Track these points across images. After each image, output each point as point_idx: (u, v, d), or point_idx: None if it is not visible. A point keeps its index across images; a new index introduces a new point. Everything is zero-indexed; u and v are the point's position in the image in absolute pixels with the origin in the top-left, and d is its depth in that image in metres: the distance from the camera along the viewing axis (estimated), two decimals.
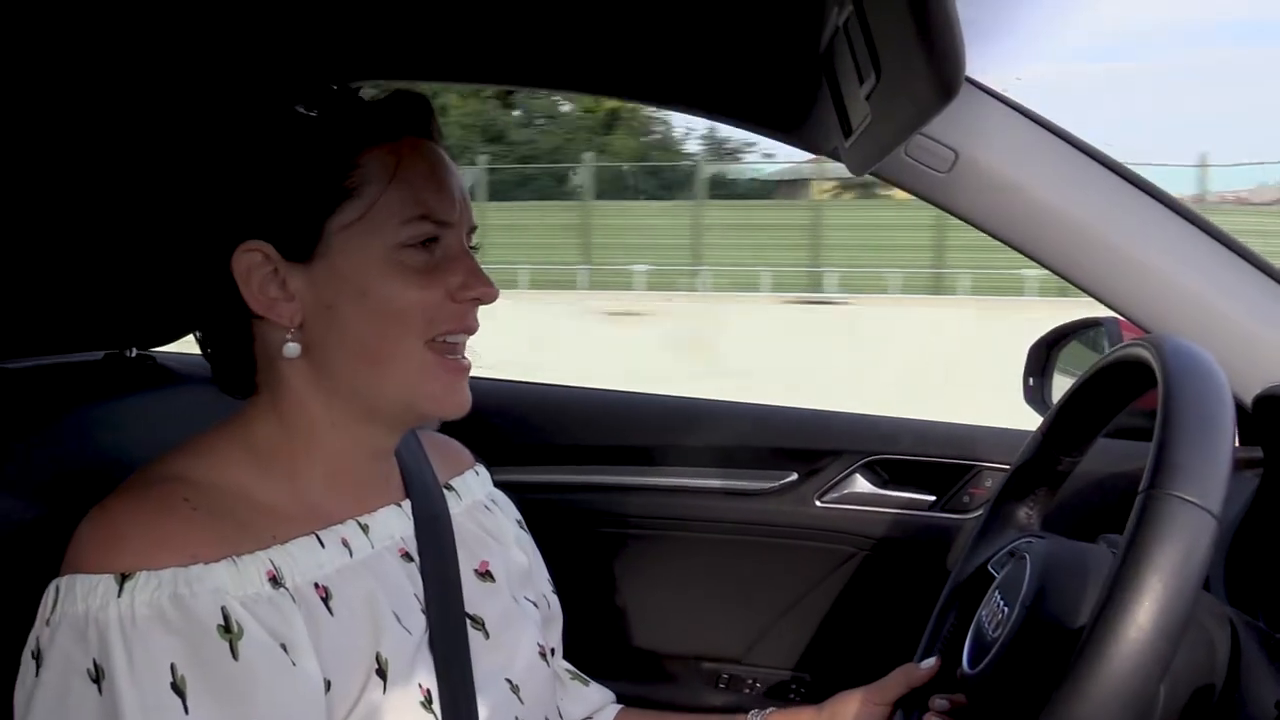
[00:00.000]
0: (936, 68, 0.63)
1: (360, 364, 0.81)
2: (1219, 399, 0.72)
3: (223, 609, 0.71)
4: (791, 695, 1.55)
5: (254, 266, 0.80)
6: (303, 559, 0.78)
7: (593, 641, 1.17)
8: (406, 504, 0.91)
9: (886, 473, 1.52)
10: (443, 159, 0.85)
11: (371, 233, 0.79)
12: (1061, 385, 1.43)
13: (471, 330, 0.84)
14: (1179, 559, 0.64)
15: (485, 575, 0.95)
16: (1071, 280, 1.15)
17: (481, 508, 1.01)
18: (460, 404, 0.85)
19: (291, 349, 0.81)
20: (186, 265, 0.84)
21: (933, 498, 1.50)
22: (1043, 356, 1.47)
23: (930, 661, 0.96)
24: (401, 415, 0.86)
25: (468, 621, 0.89)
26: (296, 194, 0.79)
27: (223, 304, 0.82)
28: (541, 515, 1.12)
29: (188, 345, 0.96)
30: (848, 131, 0.96)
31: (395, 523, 0.89)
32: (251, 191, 0.81)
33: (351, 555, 0.82)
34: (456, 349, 0.84)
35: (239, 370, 0.85)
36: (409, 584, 0.86)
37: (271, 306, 0.80)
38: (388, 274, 0.79)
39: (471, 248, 0.86)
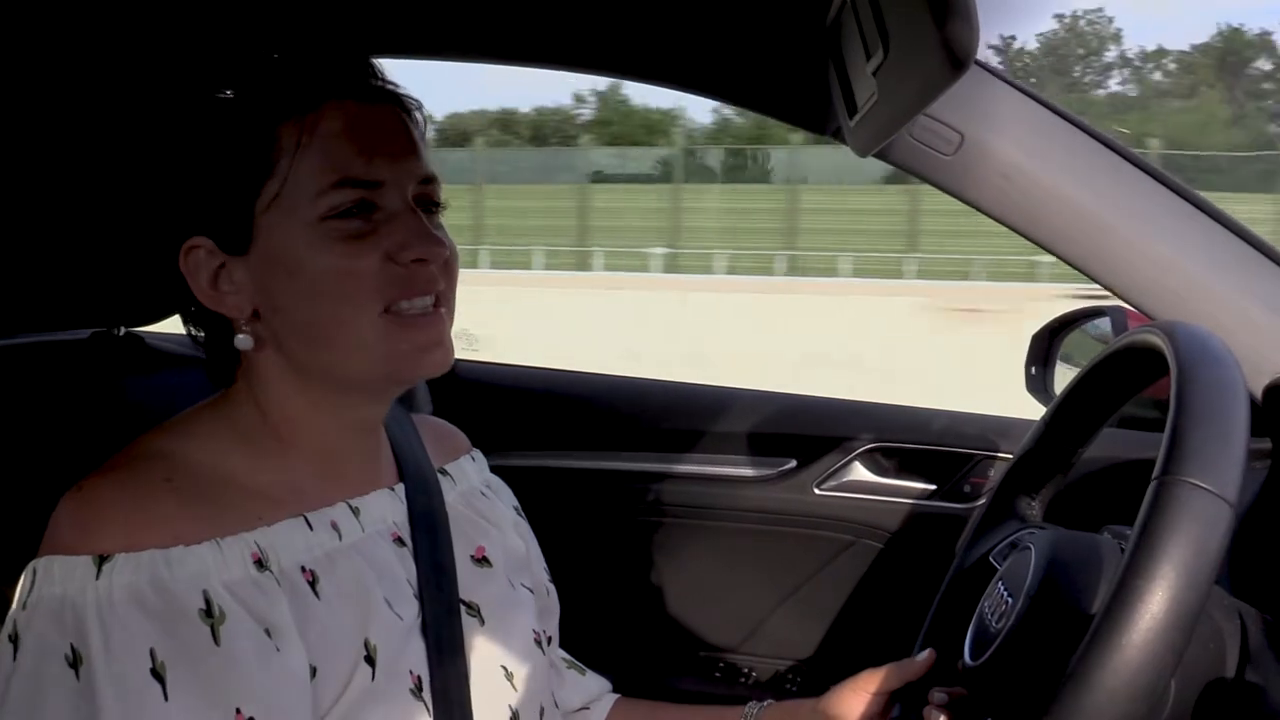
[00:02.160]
0: (949, 38, 0.61)
1: (315, 346, 0.78)
2: (1233, 385, 0.71)
3: (204, 592, 0.69)
4: (788, 686, 1.53)
5: (200, 262, 0.78)
6: (289, 541, 0.76)
7: (588, 629, 1.16)
8: (400, 488, 0.89)
9: (887, 461, 1.50)
10: (372, 115, 0.78)
11: (291, 209, 0.75)
12: (1064, 374, 1.41)
13: (427, 293, 0.78)
14: (1194, 546, 0.62)
15: (481, 560, 0.92)
16: (1077, 266, 1.13)
17: (477, 493, 0.99)
18: (437, 360, 0.79)
19: (242, 341, 0.79)
20: (159, 252, 0.82)
21: (933, 487, 1.48)
22: (1045, 345, 1.46)
23: (925, 654, 0.94)
24: (379, 383, 0.82)
25: (462, 607, 0.87)
26: (216, 184, 0.77)
27: (187, 297, 0.80)
28: (538, 501, 1.11)
29: (177, 324, 0.95)
30: (852, 110, 0.94)
31: (388, 506, 0.86)
32: (178, 186, 0.78)
33: (341, 539, 0.80)
34: (418, 311, 0.78)
35: (217, 357, 0.83)
36: (401, 569, 0.84)
37: (221, 300, 0.78)
38: (315, 248, 0.75)
39: (434, 204, 0.81)
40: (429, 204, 0.81)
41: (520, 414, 1.60)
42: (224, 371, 0.83)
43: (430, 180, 0.81)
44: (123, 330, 1.19)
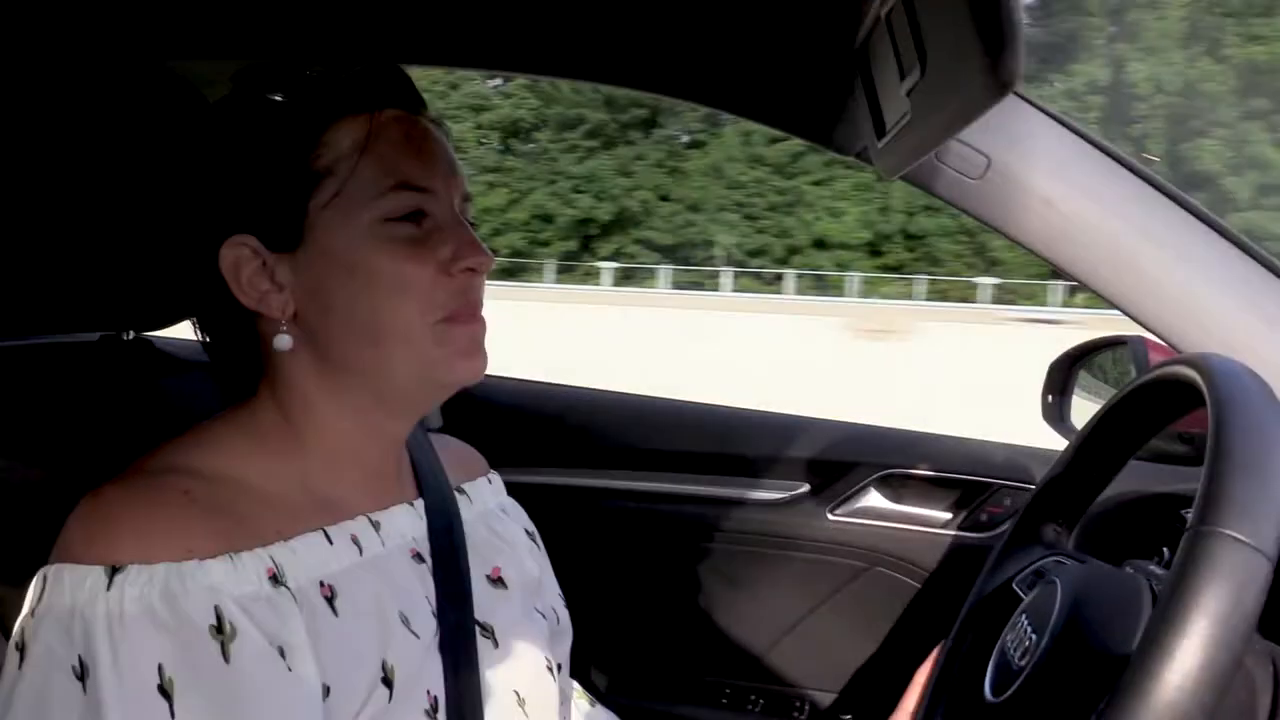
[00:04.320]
0: (992, 58, 0.59)
1: (361, 346, 0.78)
2: (1273, 430, 0.68)
3: (216, 608, 0.67)
4: (795, 714, 1.51)
5: (242, 261, 0.77)
6: (308, 556, 0.75)
7: (595, 650, 1.14)
8: (419, 503, 0.88)
9: (902, 488, 1.48)
10: (421, 127, 0.81)
11: (350, 209, 0.76)
12: (1081, 403, 1.40)
13: (476, 305, 0.81)
14: (1228, 603, 0.60)
15: (497, 581, 0.91)
16: (1101, 294, 1.11)
17: (494, 514, 0.98)
18: (475, 369, 0.81)
19: (283, 341, 0.78)
20: (179, 258, 0.82)
21: (949, 515, 1.46)
22: (1063, 374, 1.44)
23: None
24: (415, 391, 0.82)
25: (477, 629, 0.85)
26: (270, 182, 0.77)
27: (217, 299, 0.79)
28: (545, 518, 1.09)
29: (186, 330, 0.93)
30: (881, 131, 0.92)
31: (407, 522, 0.85)
32: (226, 184, 0.78)
33: (361, 553, 0.79)
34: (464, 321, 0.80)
35: (239, 365, 0.82)
36: (419, 586, 0.83)
37: (263, 300, 0.78)
38: (373, 249, 0.76)
39: (469, 222, 0.83)
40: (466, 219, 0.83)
41: (529, 430, 1.59)
42: (245, 380, 0.82)
43: (468, 198, 0.83)
44: (132, 334, 1.17)
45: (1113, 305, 1.12)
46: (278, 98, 0.78)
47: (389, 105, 0.79)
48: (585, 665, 1.09)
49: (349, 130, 0.77)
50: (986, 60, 0.59)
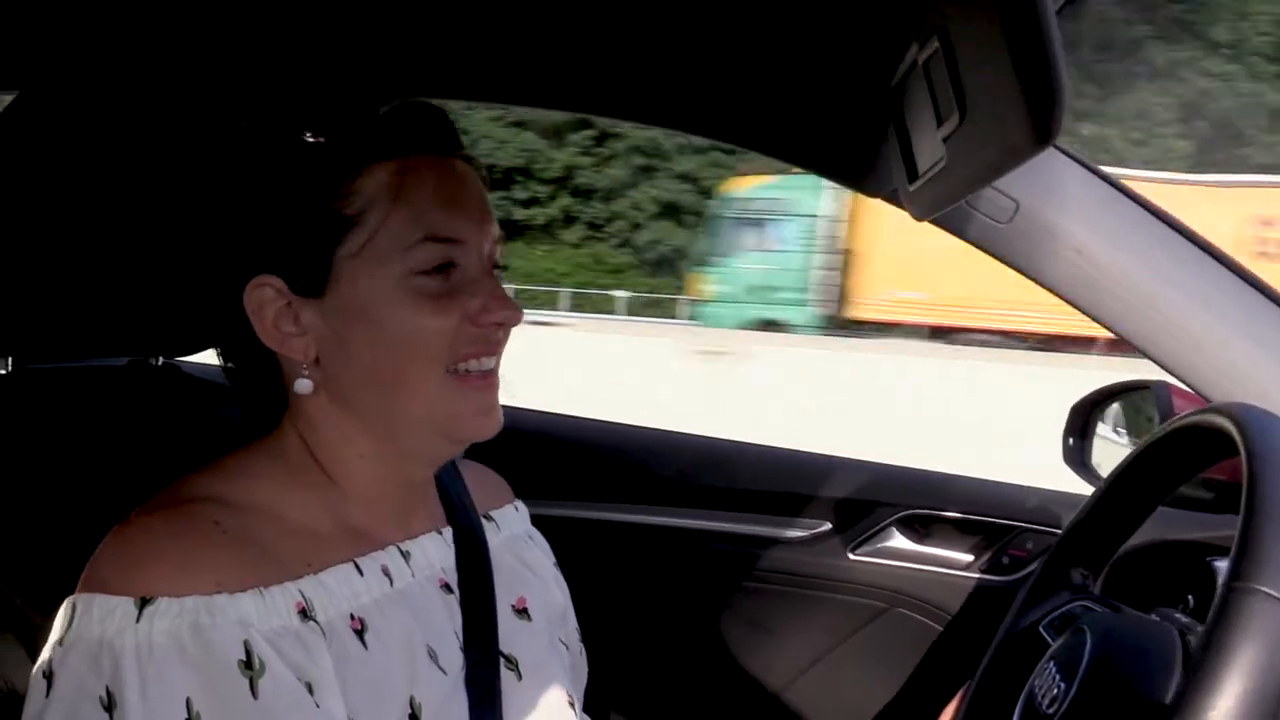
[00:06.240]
0: (1036, 112, 0.60)
1: (379, 396, 0.77)
2: None
3: (245, 643, 0.67)
4: None
5: (266, 301, 0.77)
6: (337, 589, 0.74)
7: (612, 685, 1.13)
8: (448, 532, 0.87)
9: (924, 528, 1.47)
10: (456, 173, 0.79)
11: (379, 261, 0.75)
12: (1103, 447, 1.39)
13: (494, 353, 0.80)
14: (1264, 660, 0.60)
15: (522, 612, 0.90)
16: (1130, 340, 1.11)
17: (521, 541, 0.97)
18: (489, 425, 0.80)
19: (303, 385, 0.78)
20: (207, 288, 0.81)
21: (971, 558, 1.45)
22: (1084, 417, 1.43)
23: None
24: (431, 443, 0.81)
25: (501, 660, 0.84)
26: (299, 226, 0.76)
27: (241, 334, 0.79)
28: (568, 550, 1.09)
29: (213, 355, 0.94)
30: (913, 174, 0.93)
31: (436, 551, 0.85)
32: (255, 225, 0.78)
33: (392, 584, 0.78)
34: (480, 371, 0.79)
35: (262, 402, 0.82)
36: (448, 619, 0.82)
37: (285, 342, 0.77)
38: (400, 302, 0.75)
39: (498, 267, 0.81)
40: (494, 265, 0.82)
41: (549, 462, 1.58)
42: (268, 414, 0.82)
43: (500, 241, 0.82)
44: (160, 360, 1.18)
45: (1140, 350, 1.11)
46: (309, 138, 0.77)
47: (422, 148, 0.78)
48: (603, 700, 1.08)
49: (380, 177, 0.76)
50: (1029, 114, 0.60)
